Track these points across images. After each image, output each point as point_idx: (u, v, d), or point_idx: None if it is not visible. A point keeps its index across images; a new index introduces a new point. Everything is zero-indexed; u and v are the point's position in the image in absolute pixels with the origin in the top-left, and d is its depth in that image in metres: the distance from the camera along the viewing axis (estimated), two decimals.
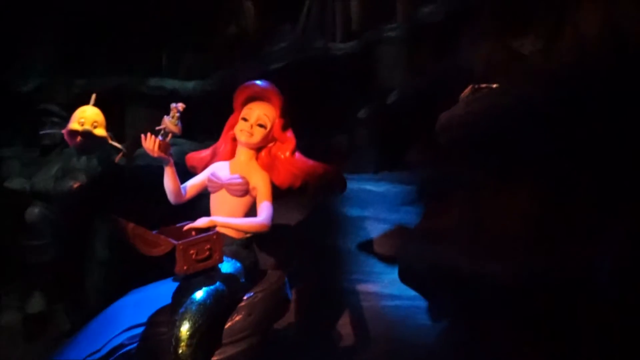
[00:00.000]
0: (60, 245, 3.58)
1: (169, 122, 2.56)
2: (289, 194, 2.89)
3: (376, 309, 4.06)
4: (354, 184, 3.81)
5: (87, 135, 3.48)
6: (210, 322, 2.40)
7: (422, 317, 3.80)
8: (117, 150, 3.68)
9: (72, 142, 3.55)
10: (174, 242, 2.42)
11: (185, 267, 2.43)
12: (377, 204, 4.11)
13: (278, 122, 2.79)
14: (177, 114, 2.58)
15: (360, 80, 4.23)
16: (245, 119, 2.77)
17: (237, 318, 2.54)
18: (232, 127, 2.90)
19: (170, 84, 4.62)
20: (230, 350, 2.48)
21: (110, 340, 2.60)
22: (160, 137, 2.55)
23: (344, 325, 4.04)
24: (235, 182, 2.71)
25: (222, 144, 2.96)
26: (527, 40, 2.68)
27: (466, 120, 2.35)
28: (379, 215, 4.13)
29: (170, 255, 2.41)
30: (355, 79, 4.24)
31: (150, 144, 2.52)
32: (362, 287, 4.13)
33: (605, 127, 2.01)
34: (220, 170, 2.81)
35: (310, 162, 2.87)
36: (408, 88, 3.93)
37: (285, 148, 2.81)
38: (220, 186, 2.74)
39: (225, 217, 2.67)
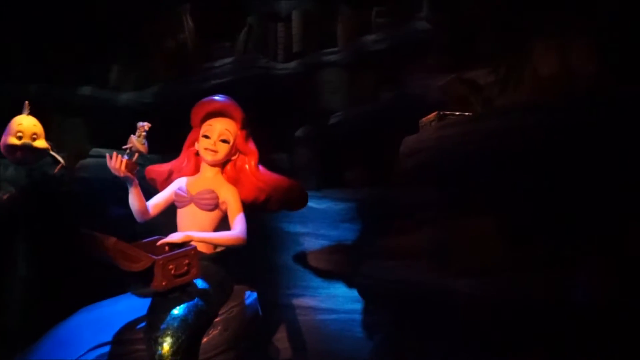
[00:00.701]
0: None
1: (136, 141, 2.52)
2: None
3: (313, 323, 4.17)
4: None
5: (27, 148, 3.29)
6: (192, 338, 2.39)
7: (359, 330, 3.97)
8: (56, 160, 3.51)
9: (11, 157, 3.34)
10: (154, 257, 2.39)
11: (164, 283, 2.40)
12: (317, 221, 4.20)
13: (240, 135, 2.84)
14: (144, 133, 2.54)
15: (302, 101, 4.34)
16: (207, 137, 2.80)
17: (213, 333, 2.54)
18: (193, 143, 2.92)
19: (102, 94, 4.47)
20: None
21: (78, 359, 2.48)
22: (126, 156, 2.49)
23: (281, 339, 4.11)
24: (205, 196, 2.72)
25: (184, 159, 2.96)
26: (481, 73, 2.93)
27: (439, 145, 2.53)
28: (319, 231, 4.23)
29: (141, 271, 2.37)
30: (297, 99, 4.34)
31: (117, 163, 2.46)
32: (300, 302, 4.24)
33: (568, 157, 2.26)
34: (186, 185, 2.80)
35: (275, 175, 2.95)
36: (351, 111, 4.09)
37: (250, 159, 2.87)
38: (189, 200, 2.74)
39: (192, 231, 2.66)
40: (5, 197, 3.46)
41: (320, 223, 4.25)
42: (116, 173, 2.49)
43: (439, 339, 2.55)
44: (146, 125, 2.55)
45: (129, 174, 2.50)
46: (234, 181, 2.84)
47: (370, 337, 3.74)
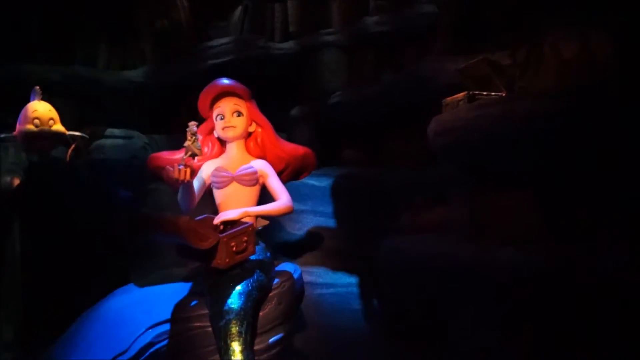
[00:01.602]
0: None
1: (194, 148, 2.48)
2: None
3: (312, 297, 4.28)
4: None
5: (46, 135, 3.19)
6: (255, 312, 2.47)
7: (357, 303, 4.12)
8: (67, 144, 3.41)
9: (29, 146, 3.22)
10: (219, 235, 2.44)
11: (227, 260, 2.46)
12: (317, 198, 4.29)
13: (250, 106, 2.95)
14: (196, 136, 2.52)
15: (300, 81, 4.40)
16: (221, 117, 2.87)
17: (269, 307, 2.62)
18: (209, 131, 2.96)
19: (90, 72, 4.33)
20: (267, 339, 2.55)
21: (137, 339, 2.49)
22: (181, 166, 2.45)
23: None
24: (247, 172, 2.79)
25: (206, 146, 2.97)
26: (498, 56, 3.11)
27: (476, 124, 2.70)
28: (318, 209, 4.31)
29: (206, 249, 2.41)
30: (296, 79, 4.40)
31: (182, 175, 2.44)
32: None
33: (601, 137, 2.48)
34: (222, 166, 2.83)
35: (291, 144, 3.09)
36: (352, 91, 4.20)
37: (268, 131, 2.98)
38: (231, 180, 2.78)
39: (241, 207, 2.72)
40: (16, 181, 3.34)
41: (319, 200, 4.34)
42: (176, 184, 2.49)
43: (477, 308, 2.73)
44: (194, 126, 2.52)
45: (190, 180, 2.50)
46: (258, 155, 2.92)
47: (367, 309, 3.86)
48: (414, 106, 3.78)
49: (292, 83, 4.45)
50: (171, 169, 2.43)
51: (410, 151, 3.89)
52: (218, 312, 2.36)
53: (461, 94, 3.00)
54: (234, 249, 2.49)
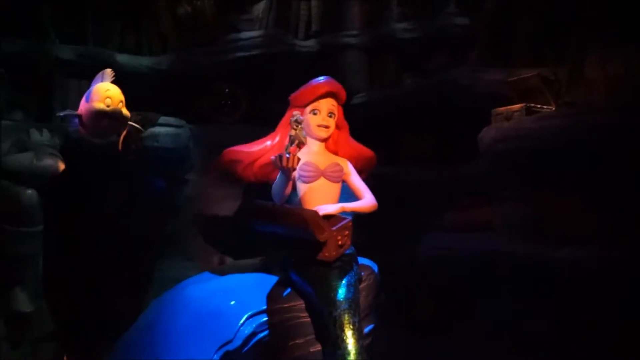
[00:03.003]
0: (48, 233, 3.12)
1: (300, 136, 2.59)
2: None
3: None
4: None
5: (117, 116, 3.09)
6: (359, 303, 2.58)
7: None
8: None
9: (95, 126, 3.10)
10: (331, 229, 2.53)
11: (334, 253, 2.56)
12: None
13: (340, 109, 3.06)
14: (301, 125, 2.61)
15: None
16: (315, 112, 2.94)
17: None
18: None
19: (108, 55, 4.19)
20: (362, 329, 2.66)
21: (239, 329, 2.52)
22: (287, 155, 2.55)
23: None
24: (335, 169, 2.90)
25: (284, 138, 3.00)
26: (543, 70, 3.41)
27: (540, 133, 2.97)
28: None
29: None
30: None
31: (291, 162, 2.54)
32: None
33: None
34: (307, 160, 2.90)
35: (360, 145, 3.19)
36: (377, 92, 4.36)
37: (345, 132, 3.11)
38: (319, 175, 2.87)
39: (324, 203, 2.81)
40: (61, 165, 3.21)
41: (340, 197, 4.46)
42: (286, 171, 2.58)
43: (532, 304, 2.98)
44: (298, 115, 2.63)
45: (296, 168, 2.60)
46: (333, 152, 3.03)
47: None
48: (445, 111, 4.02)
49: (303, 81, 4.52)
50: (275, 158, 2.54)
51: (437, 154, 4.11)
52: (329, 303, 2.45)
53: (517, 106, 3.28)
54: (339, 242, 2.59)
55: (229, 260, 4.10)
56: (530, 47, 3.66)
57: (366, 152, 3.15)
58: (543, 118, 3.06)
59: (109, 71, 3.22)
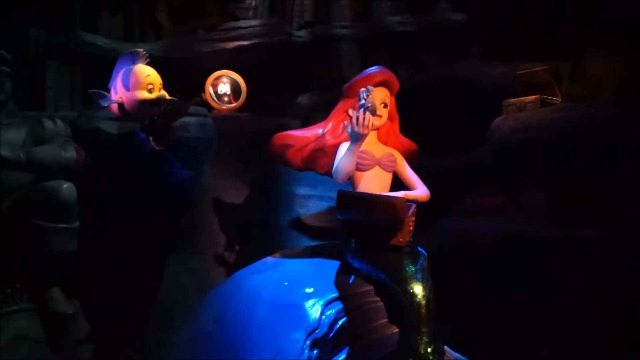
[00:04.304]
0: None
1: (373, 103, 2.67)
2: None
3: None
4: None
5: (161, 102, 2.96)
6: None
7: None
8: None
9: (141, 113, 2.96)
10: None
11: (408, 239, 2.67)
12: (326, 184, 4.48)
13: (393, 100, 3.10)
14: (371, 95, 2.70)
15: (312, 69, 4.56)
16: None
17: None
18: (343, 109, 3.08)
19: (99, 40, 3.99)
20: None
21: (322, 317, 2.56)
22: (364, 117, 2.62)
23: None
24: (390, 159, 2.99)
25: (338, 126, 3.05)
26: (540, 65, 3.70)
27: (560, 124, 3.24)
28: (325, 194, 4.50)
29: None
30: (314, 67, 4.55)
31: (368, 121, 2.60)
32: None
33: None
34: (364, 149, 2.97)
35: (406, 139, 3.26)
36: None
37: (395, 124, 3.17)
38: (376, 163, 2.95)
39: (378, 192, 2.91)
40: (82, 156, 3.06)
41: (329, 186, 4.53)
42: (362, 131, 2.61)
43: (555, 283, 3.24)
44: (365, 89, 2.69)
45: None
46: (383, 143, 3.10)
47: None
48: (445, 103, 4.21)
49: (304, 71, 4.56)
50: (351, 118, 2.62)
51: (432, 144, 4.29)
52: (408, 288, 2.55)
53: (531, 97, 3.52)
54: (410, 228, 2.70)
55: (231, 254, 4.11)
56: (530, 42, 3.92)
57: (412, 145, 3.22)
58: (560, 109, 3.31)
59: (140, 51, 3.09)
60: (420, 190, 2.96)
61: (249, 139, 4.12)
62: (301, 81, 4.57)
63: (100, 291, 3.22)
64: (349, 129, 2.63)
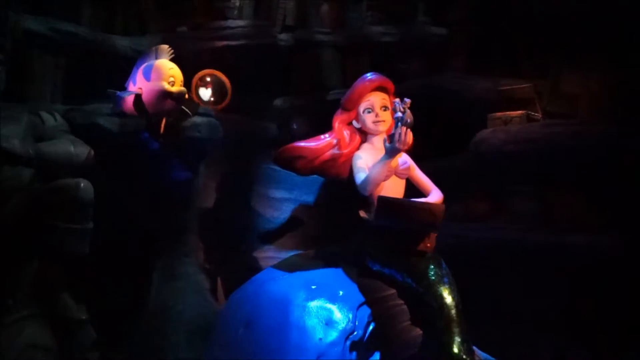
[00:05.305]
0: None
1: (409, 117, 2.64)
2: None
3: None
4: None
5: (181, 97, 2.87)
6: None
7: None
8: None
9: (158, 106, 2.85)
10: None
11: (434, 244, 2.78)
12: (304, 187, 4.53)
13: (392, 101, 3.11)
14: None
15: (299, 73, 4.58)
16: (369, 110, 3.09)
17: None
18: (345, 122, 3.15)
19: (83, 31, 3.78)
20: None
21: (357, 320, 2.61)
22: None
23: None
24: (406, 166, 3.07)
25: (346, 137, 3.12)
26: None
27: (551, 138, 3.49)
28: (301, 197, 4.55)
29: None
30: (295, 71, 4.57)
31: (409, 137, 2.63)
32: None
33: None
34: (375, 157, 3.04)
35: None
36: None
37: None
38: (393, 172, 3.03)
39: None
40: (92, 153, 2.94)
41: (306, 189, 4.58)
42: (402, 147, 2.65)
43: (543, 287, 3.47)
44: (398, 100, 2.71)
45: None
46: None
47: None
48: (426, 112, 4.36)
49: (284, 74, 4.59)
50: (392, 137, 2.61)
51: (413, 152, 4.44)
52: (435, 293, 2.65)
53: (516, 112, 3.77)
54: (435, 234, 2.81)
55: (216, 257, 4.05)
56: (510, 59, 4.18)
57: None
58: (550, 125, 3.58)
59: (165, 47, 3.02)
60: (436, 195, 3.07)
61: (233, 140, 4.08)
62: (280, 84, 4.57)
63: (94, 295, 3.08)
64: (388, 145, 2.66)
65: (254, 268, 4.07)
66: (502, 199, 3.76)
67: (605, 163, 3.44)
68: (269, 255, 4.41)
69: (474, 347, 2.67)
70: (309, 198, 4.61)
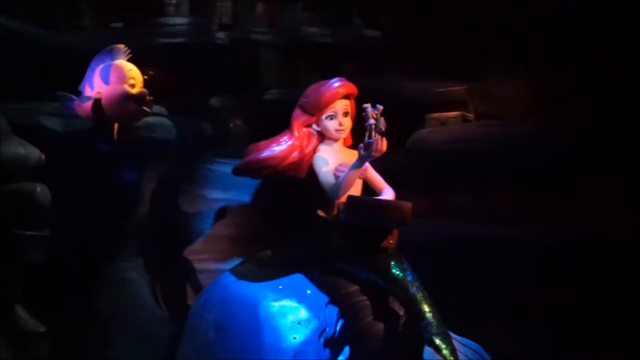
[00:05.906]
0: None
1: (383, 125, 2.66)
2: None
3: None
4: (225, 168, 4.21)
5: (143, 98, 2.76)
6: None
7: None
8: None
9: (120, 109, 2.71)
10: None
11: (397, 240, 2.89)
12: (241, 188, 4.51)
13: (353, 105, 3.19)
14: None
15: (235, 73, 4.55)
16: (332, 117, 3.12)
17: None
18: (305, 124, 3.18)
19: (20, 26, 3.57)
20: None
21: (327, 317, 2.67)
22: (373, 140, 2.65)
23: None
24: (365, 167, 3.15)
25: (305, 140, 3.16)
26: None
27: (485, 138, 3.73)
28: (235, 198, 4.53)
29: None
30: (231, 71, 4.53)
31: (384, 145, 2.67)
32: (209, 266, 4.47)
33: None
34: (343, 160, 3.10)
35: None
36: (292, 90, 4.58)
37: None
38: (364, 175, 3.11)
39: None
40: (43, 157, 2.80)
41: (242, 190, 4.57)
42: (377, 155, 2.69)
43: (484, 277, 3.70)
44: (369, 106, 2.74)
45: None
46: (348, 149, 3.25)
47: None
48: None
49: (221, 74, 4.54)
50: (365, 146, 2.65)
51: None
52: (402, 285, 2.76)
53: (453, 113, 4.00)
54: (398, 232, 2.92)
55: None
56: (443, 62, 4.39)
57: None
58: (485, 125, 3.83)
59: (122, 47, 2.90)
60: (389, 192, 3.18)
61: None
62: (216, 83, 4.52)
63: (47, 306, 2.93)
64: (363, 153, 2.69)
65: (191, 271, 4.05)
66: (439, 195, 3.95)
67: (539, 159, 3.69)
68: (206, 257, 4.36)
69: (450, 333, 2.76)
70: (246, 198, 4.59)
